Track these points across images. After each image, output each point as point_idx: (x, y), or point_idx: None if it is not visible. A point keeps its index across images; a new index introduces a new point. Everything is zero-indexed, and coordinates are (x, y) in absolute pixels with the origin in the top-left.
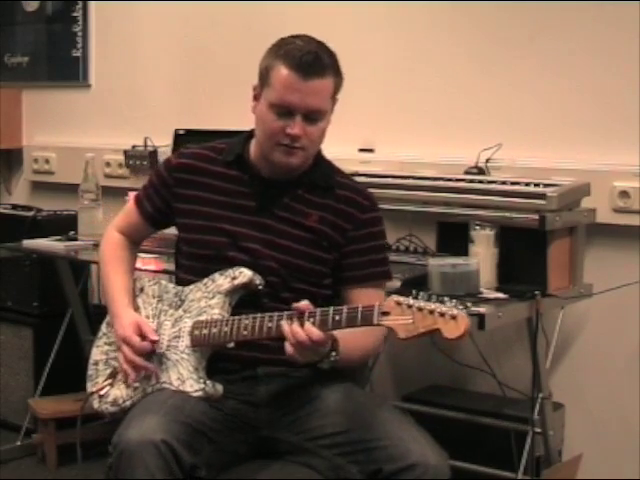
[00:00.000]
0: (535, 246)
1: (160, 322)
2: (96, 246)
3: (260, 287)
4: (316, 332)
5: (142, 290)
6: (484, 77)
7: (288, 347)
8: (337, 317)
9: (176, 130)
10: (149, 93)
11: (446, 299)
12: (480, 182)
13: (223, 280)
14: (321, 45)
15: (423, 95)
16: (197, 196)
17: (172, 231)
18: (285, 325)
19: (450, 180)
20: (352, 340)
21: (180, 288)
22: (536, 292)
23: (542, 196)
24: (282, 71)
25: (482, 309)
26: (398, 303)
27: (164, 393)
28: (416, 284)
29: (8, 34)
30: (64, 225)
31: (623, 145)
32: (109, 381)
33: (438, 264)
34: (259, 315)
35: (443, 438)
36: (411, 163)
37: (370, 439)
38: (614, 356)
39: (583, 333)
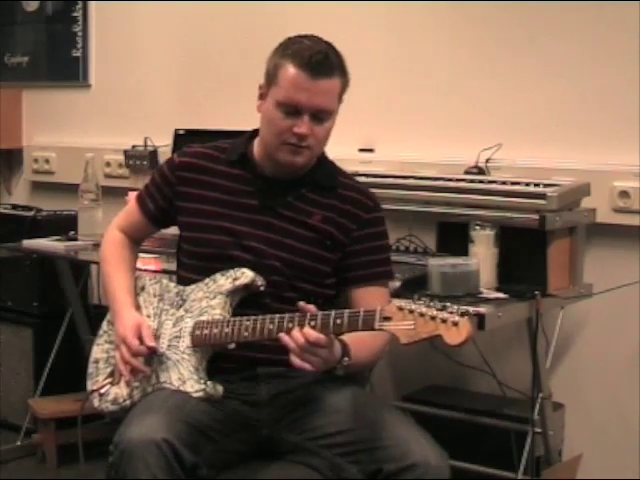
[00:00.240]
0: (535, 246)
1: (161, 321)
2: (96, 246)
3: (262, 288)
4: (313, 334)
5: (143, 289)
6: (484, 77)
7: (293, 358)
8: (338, 321)
9: (176, 130)
10: (149, 93)
11: (448, 304)
12: (480, 182)
13: (224, 280)
14: (330, 45)
15: (423, 95)
16: (200, 195)
17: (171, 231)
18: (284, 337)
19: (450, 180)
20: (361, 344)
21: (181, 287)
22: (536, 292)
23: (542, 196)
24: (290, 70)
25: (482, 309)
26: (400, 308)
27: (165, 392)
28: (416, 284)
29: (8, 34)
30: (64, 225)
31: (623, 145)
32: (109, 379)
33: (438, 264)
34: (260, 317)
35: (443, 438)
36: (411, 163)
37: (370, 439)
38: (614, 356)
39: (583, 333)
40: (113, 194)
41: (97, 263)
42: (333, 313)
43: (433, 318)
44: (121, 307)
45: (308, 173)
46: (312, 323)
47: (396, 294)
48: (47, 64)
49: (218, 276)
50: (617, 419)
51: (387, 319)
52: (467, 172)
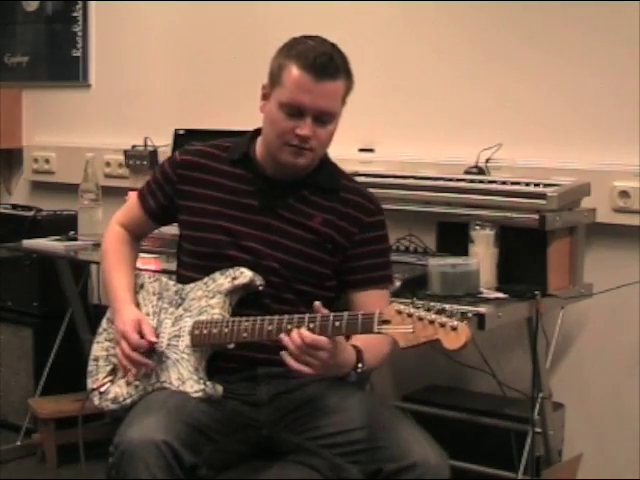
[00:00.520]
0: (535, 246)
1: (160, 320)
2: (96, 246)
3: (261, 288)
4: (310, 336)
5: (142, 287)
6: (484, 77)
7: (288, 360)
8: (337, 323)
9: (176, 130)
10: (149, 93)
11: (447, 307)
12: (480, 182)
13: (224, 280)
14: (334, 47)
15: (423, 95)
16: (200, 193)
17: (171, 231)
18: (284, 338)
19: (450, 180)
20: (371, 349)
21: (180, 286)
22: (536, 292)
23: (542, 196)
24: (294, 71)
25: (482, 309)
26: (399, 312)
27: (165, 392)
28: (416, 284)
29: (8, 34)
30: (64, 225)
31: (623, 145)
32: (109, 378)
33: (438, 264)
34: (259, 317)
35: (443, 438)
36: (411, 163)
37: (370, 439)
38: (614, 356)
39: (583, 333)
40: (113, 194)
41: (97, 263)
42: (332, 316)
43: (432, 322)
44: (120, 304)
45: (310, 175)
46: (311, 325)
47: (396, 294)
48: (47, 64)
49: (217, 275)
50: (617, 419)
51: (386, 322)
52: (467, 172)
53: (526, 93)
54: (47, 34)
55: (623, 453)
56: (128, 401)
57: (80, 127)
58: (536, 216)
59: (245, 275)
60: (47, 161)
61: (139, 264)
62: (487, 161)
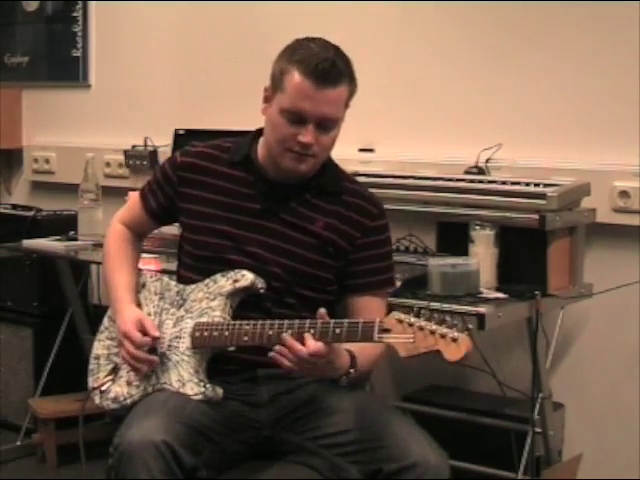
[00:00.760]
0: (535, 246)
1: (161, 320)
2: (96, 246)
3: (262, 291)
4: (313, 344)
5: (144, 286)
6: (484, 77)
7: (282, 361)
8: (337, 330)
9: (176, 130)
10: (149, 93)
11: (448, 318)
12: (480, 182)
13: (225, 282)
14: (337, 51)
15: (423, 95)
16: (200, 196)
17: (171, 231)
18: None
19: (450, 180)
20: (365, 353)
21: (182, 286)
22: (536, 292)
23: (542, 196)
24: (296, 77)
25: (482, 309)
26: (399, 320)
27: (165, 393)
28: (416, 284)
29: (8, 34)
30: (64, 225)
31: (623, 145)
32: (110, 377)
33: (438, 264)
34: (259, 322)
35: (443, 438)
36: (411, 163)
37: (370, 439)
38: (614, 356)
39: (583, 333)
40: (113, 194)
41: (97, 263)
42: (332, 322)
43: (432, 332)
44: (121, 304)
45: (312, 177)
46: (311, 331)
47: (396, 294)
48: (47, 64)
49: (218, 277)
50: (617, 419)
51: (386, 331)
52: (467, 172)
53: (526, 93)
54: (47, 34)
55: (623, 453)
56: (128, 401)
57: (80, 127)
58: (536, 216)
59: (246, 278)
60: (47, 161)
61: (139, 264)
62: (487, 161)
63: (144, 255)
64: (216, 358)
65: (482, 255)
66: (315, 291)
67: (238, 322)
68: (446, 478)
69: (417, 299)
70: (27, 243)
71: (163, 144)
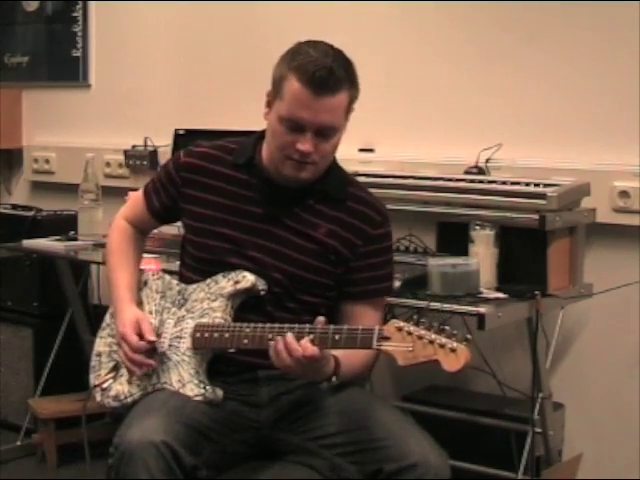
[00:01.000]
0: (535, 246)
1: (163, 320)
2: (96, 246)
3: (263, 292)
4: (310, 348)
5: (146, 284)
6: (484, 77)
7: (275, 361)
8: (337, 337)
9: (176, 130)
10: (149, 93)
11: (447, 328)
12: (480, 182)
13: (226, 283)
14: (337, 56)
15: (423, 95)
16: (203, 198)
17: (172, 231)
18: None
19: (450, 180)
20: (348, 362)
21: (183, 286)
22: (536, 292)
23: (542, 196)
24: (294, 85)
25: (482, 309)
26: (399, 329)
27: (165, 393)
28: (416, 284)
29: (8, 34)
30: (64, 225)
31: (623, 145)
32: (112, 374)
33: (438, 264)
34: (260, 325)
35: (443, 438)
36: (411, 163)
37: (371, 439)
38: (614, 356)
39: (583, 333)
40: (113, 194)
41: (97, 263)
42: (332, 328)
43: (431, 342)
44: (121, 304)
45: (317, 182)
46: (311, 336)
47: (396, 294)
48: (47, 64)
49: (219, 277)
50: (617, 419)
51: (385, 339)
52: (467, 172)
53: (526, 93)
54: (47, 34)
55: (623, 453)
56: (129, 400)
57: (80, 127)
58: (536, 216)
59: (247, 280)
60: (47, 161)
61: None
62: (487, 161)
63: (144, 255)
64: (217, 359)
65: (482, 255)
66: (315, 297)
67: (238, 324)
68: (446, 478)
69: (417, 299)
70: (27, 243)
71: (163, 144)
